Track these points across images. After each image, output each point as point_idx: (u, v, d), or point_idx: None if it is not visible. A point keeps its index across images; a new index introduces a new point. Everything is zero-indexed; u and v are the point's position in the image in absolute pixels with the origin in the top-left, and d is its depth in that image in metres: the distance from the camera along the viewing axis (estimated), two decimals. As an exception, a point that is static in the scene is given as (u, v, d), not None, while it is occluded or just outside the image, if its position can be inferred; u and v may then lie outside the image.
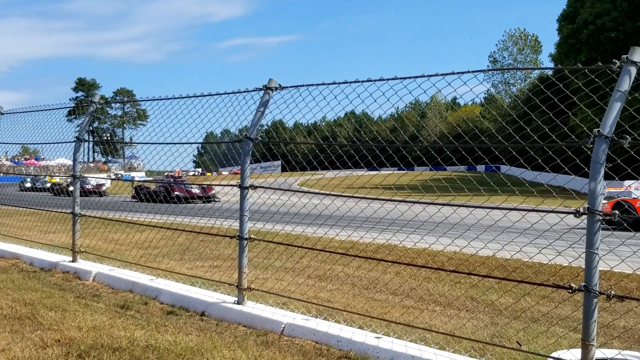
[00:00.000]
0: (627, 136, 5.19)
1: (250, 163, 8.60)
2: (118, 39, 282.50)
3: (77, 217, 11.86)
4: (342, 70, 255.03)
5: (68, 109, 15.01)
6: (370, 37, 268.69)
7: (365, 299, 9.55)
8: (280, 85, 8.50)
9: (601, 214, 5.18)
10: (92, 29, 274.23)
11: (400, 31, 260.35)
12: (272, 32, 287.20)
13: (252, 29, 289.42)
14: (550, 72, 58.94)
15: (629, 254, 5.66)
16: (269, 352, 6.68)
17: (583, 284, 5.24)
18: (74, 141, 12.27)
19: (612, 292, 5.21)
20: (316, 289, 9.98)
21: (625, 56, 5.36)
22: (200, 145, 13.24)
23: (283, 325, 7.63)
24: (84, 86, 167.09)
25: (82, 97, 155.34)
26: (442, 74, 6.72)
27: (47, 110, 13.76)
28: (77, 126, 13.17)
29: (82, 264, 11.65)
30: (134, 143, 14.94)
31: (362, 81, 7.50)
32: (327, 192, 8.94)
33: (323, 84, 8.02)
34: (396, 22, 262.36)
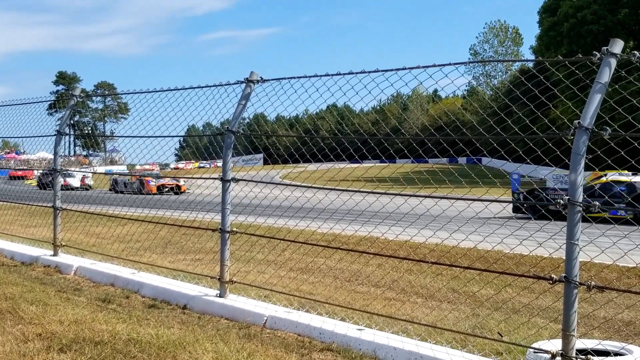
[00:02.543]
0: (607, 128, 5.21)
1: (232, 156, 8.58)
2: (100, 33, 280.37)
3: (58, 211, 11.80)
4: (326, 63, 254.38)
5: (49, 103, 14.93)
6: (353, 30, 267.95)
7: (347, 291, 9.57)
8: (262, 78, 8.48)
9: (581, 205, 5.20)
10: (74, 22, 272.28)
11: (383, 24, 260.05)
12: (254, 25, 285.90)
13: (234, 22, 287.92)
14: (531, 65, 59.14)
15: (608, 245, 5.69)
16: (251, 344, 6.68)
17: (563, 275, 5.26)
18: (55, 135, 12.20)
19: (592, 283, 5.24)
20: (298, 282, 9.99)
21: (606, 48, 5.38)
22: (182, 139, 13.22)
23: (265, 318, 7.63)
24: (65, 80, 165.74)
25: (63, 91, 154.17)
26: (424, 67, 6.73)
27: (27, 103, 13.69)
28: (58, 120, 13.08)
29: (64, 258, 11.61)
30: (115, 136, 14.88)
31: (344, 74, 7.50)
32: (309, 185, 8.95)
33: (305, 76, 8.01)
34: (379, 15, 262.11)
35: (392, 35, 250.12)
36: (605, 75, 5.32)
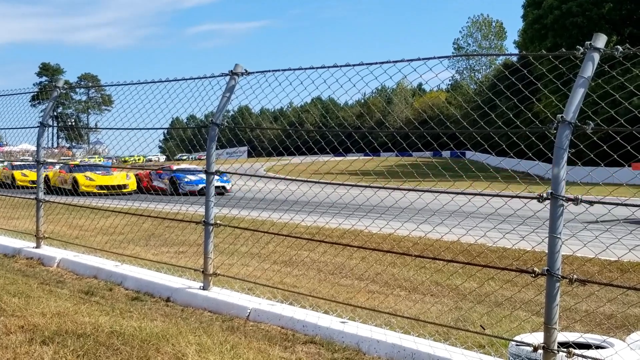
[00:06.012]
0: (590, 122, 5.24)
1: (217, 148, 8.57)
2: (87, 25, 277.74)
3: (41, 203, 11.76)
4: (315, 57, 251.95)
5: (32, 94, 14.86)
6: (341, 24, 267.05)
7: (330, 284, 9.58)
8: (246, 71, 8.47)
9: (564, 198, 5.23)
10: (62, 14, 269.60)
11: (371, 17, 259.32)
12: (242, 18, 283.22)
13: (222, 15, 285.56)
14: (515, 59, 59.34)
15: (590, 238, 5.73)
16: (234, 337, 6.68)
17: (546, 268, 5.29)
18: (38, 126, 12.15)
19: (574, 276, 5.27)
20: (282, 275, 9.99)
21: (589, 42, 5.40)
22: (166, 131, 13.18)
23: (249, 311, 7.63)
24: (48, 71, 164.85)
25: (46, 83, 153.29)
26: (408, 60, 6.74)
27: (10, 95, 13.62)
28: (41, 111, 13.01)
29: (46, 250, 11.57)
30: (99, 128, 14.82)
31: (329, 67, 7.50)
32: (293, 178, 8.95)
33: (289, 69, 8.02)
34: (367, 9, 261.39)
35: (379, 29, 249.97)
36: (589, 70, 5.35)
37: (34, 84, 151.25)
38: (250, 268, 10.23)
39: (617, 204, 5.25)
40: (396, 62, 6.86)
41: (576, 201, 5.22)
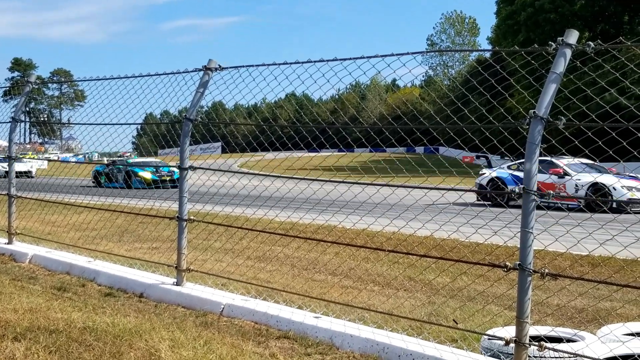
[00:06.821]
0: (562, 117, 5.28)
1: (190, 144, 8.55)
2: (61, 20, 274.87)
3: (12, 199, 11.67)
4: (292, 53, 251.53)
5: (4, 90, 14.77)
6: (317, 20, 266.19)
7: (304, 280, 9.59)
8: (220, 66, 8.44)
9: (536, 194, 5.26)
10: (35, 9, 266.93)
11: (346, 13, 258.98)
12: (216, 13, 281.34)
13: (196, 10, 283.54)
14: (488, 55, 59.60)
15: (562, 233, 5.77)
16: (208, 332, 6.67)
17: (518, 262, 5.32)
18: (10, 122, 12.06)
19: (546, 271, 5.31)
20: (256, 270, 9.99)
21: (561, 38, 5.44)
22: (139, 127, 13.12)
23: (222, 306, 7.62)
24: (20, 66, 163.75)
25: (18, 78, 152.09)
26: (382, 56, 6.75)
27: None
28: (13, 107, 12.94)
29: (18, 246, 11.48)
30: (72, 124, 14.76)
31: (302, 62, 7.49)
32: (267, 173, 8.94)
33: (263, 64, 7.99)
34: (342, 4, 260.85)
35: (358, 25, 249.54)
36: (561, 66, 5.38)
37: (5, 79, 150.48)
38: (224, 264, 10.22)
39: (589, 199, 5.30)
40: (370, 57, 6.87)
41: (548, 196, 5.26)
